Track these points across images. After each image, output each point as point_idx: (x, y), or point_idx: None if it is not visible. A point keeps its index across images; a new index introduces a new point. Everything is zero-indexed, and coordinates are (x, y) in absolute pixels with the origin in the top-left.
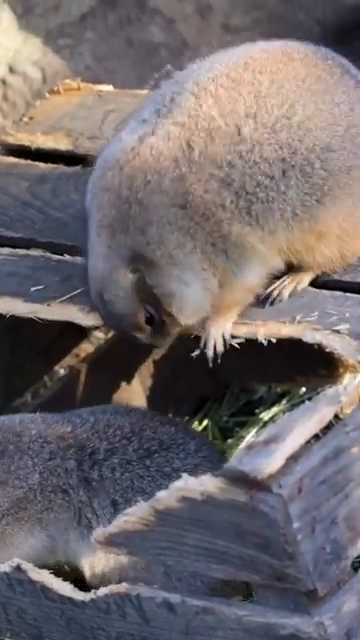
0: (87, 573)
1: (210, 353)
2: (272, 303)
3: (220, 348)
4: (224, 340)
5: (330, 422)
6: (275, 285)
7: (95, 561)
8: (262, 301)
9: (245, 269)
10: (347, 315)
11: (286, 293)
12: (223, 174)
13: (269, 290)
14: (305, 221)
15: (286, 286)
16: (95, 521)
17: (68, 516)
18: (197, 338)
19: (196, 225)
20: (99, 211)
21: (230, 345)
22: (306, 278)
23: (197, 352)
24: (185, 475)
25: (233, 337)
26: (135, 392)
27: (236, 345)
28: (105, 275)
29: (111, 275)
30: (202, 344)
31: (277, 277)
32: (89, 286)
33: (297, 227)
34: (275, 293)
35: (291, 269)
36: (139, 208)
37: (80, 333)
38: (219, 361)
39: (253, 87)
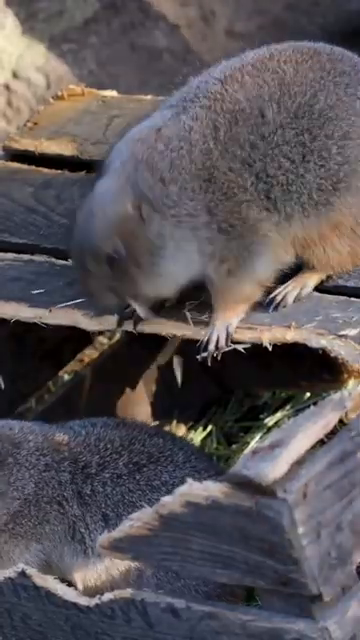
0: (80, 588)
1: (212, 347)
2: (276, 308)
3: (222, 343)
4: (227, 335)
5: (335, 427)
6: (279, 290)
7: (88, 576)
8: (266, 306)
9: (256, 259)
10: (352, 320)
11: (290, 298)
12: (245, 154)
13: (273, 295)
14: (320, 206)
15: (290, 291)
16: (88, 536)
17: (62, 529)
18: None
19: (218, 201)
20: (130, 152)
21: (235, 350)
22: (310, 283)
23: (203, 355)
24: (190, 480)
25: (238, 342)
26: (139, 397)
27: (242, 350)
28: (108, 192)
29: (114, 196)
30: (205, 338)
31: (281, 282)
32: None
33: (313, 212)
34: (279, 298)
35: (296, 274)
36: (169, 165)
37: (84, 339)
38: (219, 358)
39: (277, 75)
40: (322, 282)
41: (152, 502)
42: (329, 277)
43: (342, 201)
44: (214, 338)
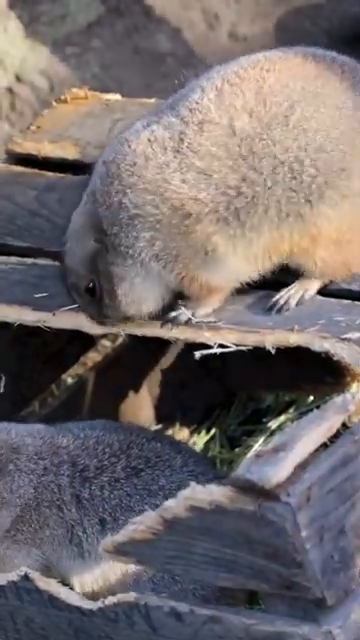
0: (77, 590)
1: (169, 320)
2: (279, 311)
3: (181, 323)
4: (189, 320)
5: (338, 430)
6: (282, 293)
7: (85, 580)
8: (268, 309)
9: (210, 270)
10: (355, 323)
11: (293, 302)
12: (204, 165)
13: (276, 298)
14: (292, 219)
15: (293, 295)
16: (85, 540)
17: (61, 532)
18: (205, 347)
19: (162, 216)
20: (94, 177)
21: (238, 353)
22: (313, 286)
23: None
24: (193, 483)
25: (239, 345)
26: (143, 401)
27: (245, 349)
28: (75, 230)
29: (78, 233)
30: (170, 315)
31: (285, 285)
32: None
33: (284, 226)
34: (282, 301)
35: (298, 277)
36: (120, 187)
37: (88, 342)
38: (176, 332)
39: (257, 84)
40: (325, 286)
41: (150, 506)
42: (332, 280)
43: (316, 212)
44: (172, 316)
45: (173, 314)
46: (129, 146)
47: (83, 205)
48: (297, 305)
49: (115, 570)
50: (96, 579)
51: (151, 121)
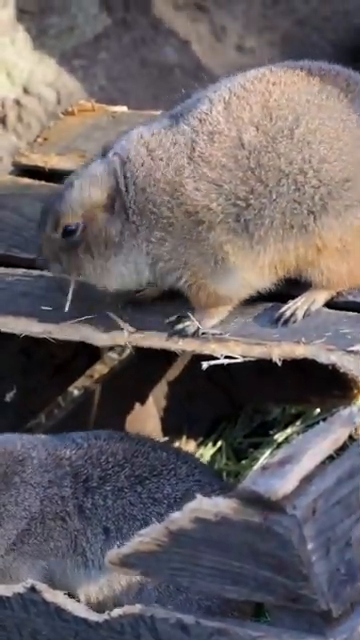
0: (82, 600)
1: (176, 332)
2: (285, 323)
3: (188, 335)
4: (197, 331)
5: (344, 443)
6: (288, 305)
7: (90, 589)
8: (275, 321)
9: (219, 280)
10: None
11: (300, 314)
12: (215, 175)
13: (282, 310)
14: (296, 231)
15: (300, 307)
16: (89, 549)
17: (65, 544)
18: (212, 358)
19: (175, 220)
20: (127, 147)
21: (245, 366)
22: (320, 298)
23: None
24: (199, 495)
25: (246, 356)
26: (149, 413)
27: (251, 358)
28: (94, 173)
29: (96, 178)
30: (179, 327)
31: (292, 297)
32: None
33: (289, 237)
34: (288, 313)
35: (305, 289)
36: (145, 173)
37: (94, 354)
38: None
39: (263, 97)
40: (332, 298)
41: (154, 515)
42: (339, 293)
43: (319, 224)
44: (181, 327)
45: (180, 326)
46: (152, 139)
47: (109, 160)
48: (304, 317)
49: (120, 579)
50: (101, 588)
51: (169, 123)
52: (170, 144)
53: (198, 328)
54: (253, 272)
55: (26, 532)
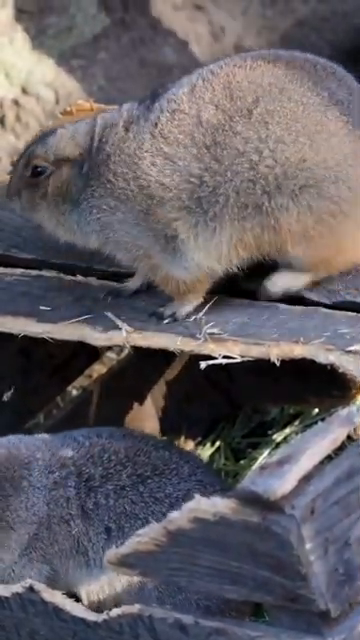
0: (84, 600)
1: (154, 314)
2: (261, 298)
3: (164, 318)
4: (175, 319)
5: (343, 443)
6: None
7: (91, 589)
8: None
9: (170, 260)
10: None
11: (276, 289)
12: (172, 151)
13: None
14: (251, 210)
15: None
16: (91, 549)
17: (69, 545)
18: (210, 358)
19: (130, 192)
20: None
21: (243, 366)
22: (302, 278)
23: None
24: (197, 495)
25: (244, 356)
26: (147, 413)
27: (250, 358)
28: (80, 126)
29: (82, 129)
30: (159, 310)
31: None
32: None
33: (244, 216)
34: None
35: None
36: (115, 141)
37: (93, 354)
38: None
39: (227, 78)
40: (317, 283)
41: (155, 514)
42: (337, 290)
43: (273, 204)
44: (166, 313)
45: (160, 310)
46: (129, 116)
47: (99, 119)
48: (283, 294)
49: (121, 578)
50: (102, 587)
51: (149, 103)
52: (143, 120)
53: (174, 312)
54: (208, 252)
55: (35, 537)
